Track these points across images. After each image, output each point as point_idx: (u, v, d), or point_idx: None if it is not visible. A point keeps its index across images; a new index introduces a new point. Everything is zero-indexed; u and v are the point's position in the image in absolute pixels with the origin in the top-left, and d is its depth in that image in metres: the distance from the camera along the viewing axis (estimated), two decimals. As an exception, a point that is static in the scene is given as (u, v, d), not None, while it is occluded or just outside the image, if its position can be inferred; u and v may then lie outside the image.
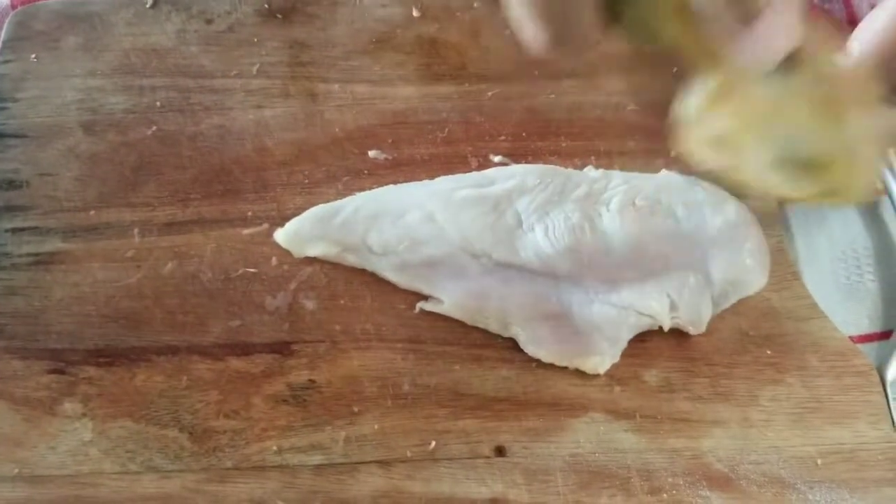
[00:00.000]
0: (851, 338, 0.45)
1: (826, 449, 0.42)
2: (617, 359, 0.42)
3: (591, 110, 0.49)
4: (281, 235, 0.45)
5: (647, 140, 0.48)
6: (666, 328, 0.43)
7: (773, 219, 0.46)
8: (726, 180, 0.38)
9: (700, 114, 0.34)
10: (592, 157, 0.48)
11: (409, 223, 0.45)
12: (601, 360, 0.42)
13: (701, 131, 0.35)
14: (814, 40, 0.32)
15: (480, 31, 0.51)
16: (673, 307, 0.43)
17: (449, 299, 0.44)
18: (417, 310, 0.44)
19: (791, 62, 0.30)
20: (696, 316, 0.43)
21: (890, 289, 0.46)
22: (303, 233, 0.45)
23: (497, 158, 0.47)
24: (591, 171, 0.46)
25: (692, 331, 0.43)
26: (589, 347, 0.42)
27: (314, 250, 0.45)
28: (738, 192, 0.40)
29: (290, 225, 0.45)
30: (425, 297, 0.45)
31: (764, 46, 0.30)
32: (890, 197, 0.47)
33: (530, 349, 0.43)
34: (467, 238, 0.44)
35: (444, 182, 0.46)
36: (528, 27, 0.31)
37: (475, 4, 0.51)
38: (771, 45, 0.30)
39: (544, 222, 0.44)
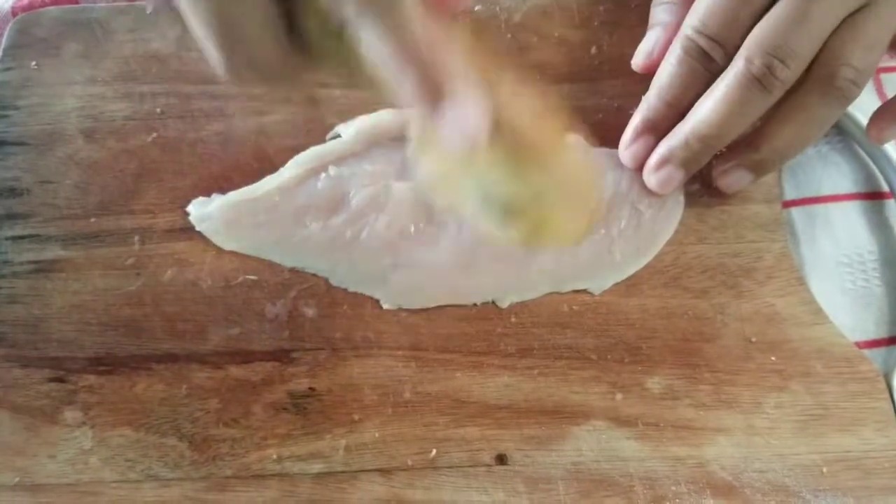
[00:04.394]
0: (857, 344, 0.44)
1: (832, 457, 0.41)
2: None
3: (593, 114, 0.48)
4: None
5: (650, 144, 0.48)
6: None
7: (778, 224, 0.46)
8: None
9: (418, 155, 0.35)
10: (595, 162, 0.47)
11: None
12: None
13: (423, 170, 0.36)
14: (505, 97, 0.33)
15: (481, 36, 0.50)
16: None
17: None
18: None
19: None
20: None
21: (897, 294, 0.46)
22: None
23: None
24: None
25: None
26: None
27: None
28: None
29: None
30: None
31: (461, 126, 0.31)
32: (896, 200, 0.47)
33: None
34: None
35: None
36: (208, 52, 0.31)
37: (476, 8, 0.51)
38: (468, 125, 0.31)
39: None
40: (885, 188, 0.48)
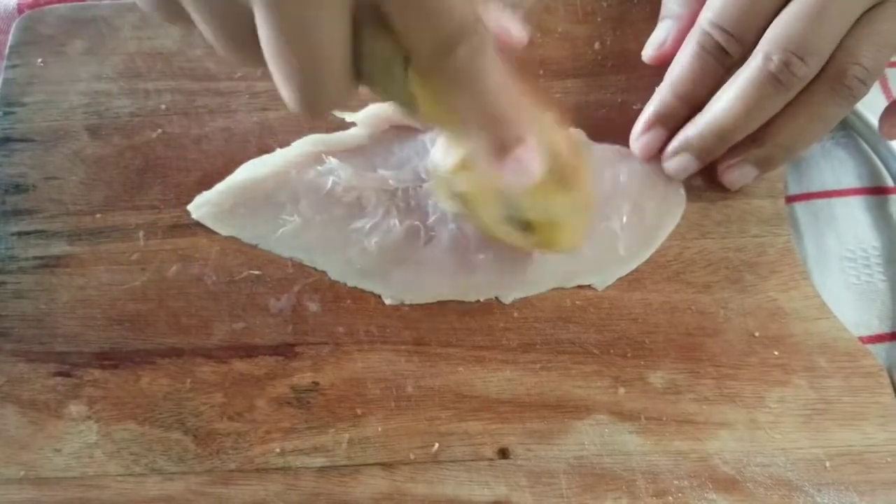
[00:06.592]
0: (861, 338, 0.44)
1: (834, 451, 0.41)
2: None
3: (596, 109, 0.48)
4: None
5: (654, 139, 0.48)
6: None
7: (781, 218, 0.46)
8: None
9: (446, 174, 0.41)
10: (598, 157, 0.47)
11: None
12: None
13: (447, 187, 0.41)
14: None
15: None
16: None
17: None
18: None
19: None
20: None
21: (900, 289, 0.46)
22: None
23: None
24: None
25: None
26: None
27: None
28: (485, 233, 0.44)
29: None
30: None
31: (521, 173, 0.35)
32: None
33: None
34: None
35: None
36: (282, 91, 0.32)
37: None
38: (527, 172, 0.35)
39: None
40: (890, 183, 0.48)
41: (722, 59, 0.42)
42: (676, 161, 0.45)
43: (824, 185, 0.48)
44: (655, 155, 0.46)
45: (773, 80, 0.40)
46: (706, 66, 0.43)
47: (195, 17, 0.32)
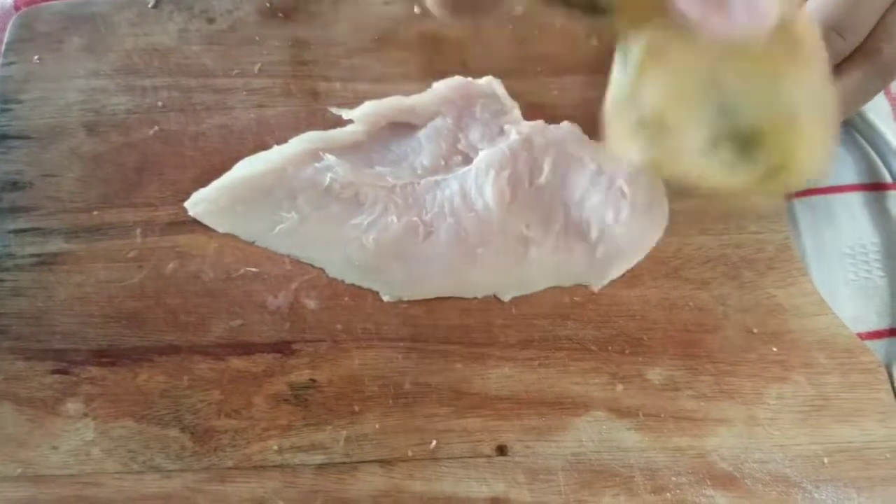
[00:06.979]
0: (859, 335, 0.44)
1: (833, 447, 0.41)
2: None
3: (594, 106, 0.48)
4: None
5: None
6: None
7: (780, 215, 0.46)
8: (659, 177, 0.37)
9: (627, 90, 0.31)
10: (596, 154, 0.47)
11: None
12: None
13: (628, 114, 0.31)
14: None
15: (482, 28, 0.50)
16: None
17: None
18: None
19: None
20: None
21: (899, 285, 0.46)
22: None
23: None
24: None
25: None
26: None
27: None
28: (676, 189, 0.38)
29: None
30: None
31: (751, 14, 0.27)
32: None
33: None
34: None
35: None
36: None
37: (477, 1, 0.51)
38: (759, 13, 0.27)
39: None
40: (888, 179, 0.48)
41: None
42: None
43: (823, 181, 0.48)
44: None
45: None
46: None
47: None
